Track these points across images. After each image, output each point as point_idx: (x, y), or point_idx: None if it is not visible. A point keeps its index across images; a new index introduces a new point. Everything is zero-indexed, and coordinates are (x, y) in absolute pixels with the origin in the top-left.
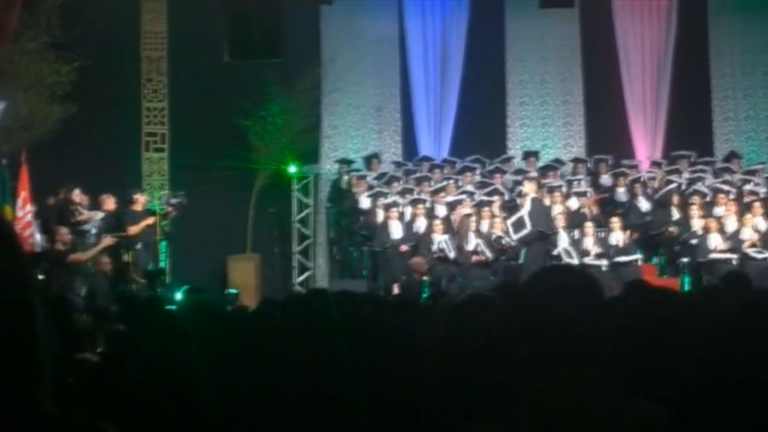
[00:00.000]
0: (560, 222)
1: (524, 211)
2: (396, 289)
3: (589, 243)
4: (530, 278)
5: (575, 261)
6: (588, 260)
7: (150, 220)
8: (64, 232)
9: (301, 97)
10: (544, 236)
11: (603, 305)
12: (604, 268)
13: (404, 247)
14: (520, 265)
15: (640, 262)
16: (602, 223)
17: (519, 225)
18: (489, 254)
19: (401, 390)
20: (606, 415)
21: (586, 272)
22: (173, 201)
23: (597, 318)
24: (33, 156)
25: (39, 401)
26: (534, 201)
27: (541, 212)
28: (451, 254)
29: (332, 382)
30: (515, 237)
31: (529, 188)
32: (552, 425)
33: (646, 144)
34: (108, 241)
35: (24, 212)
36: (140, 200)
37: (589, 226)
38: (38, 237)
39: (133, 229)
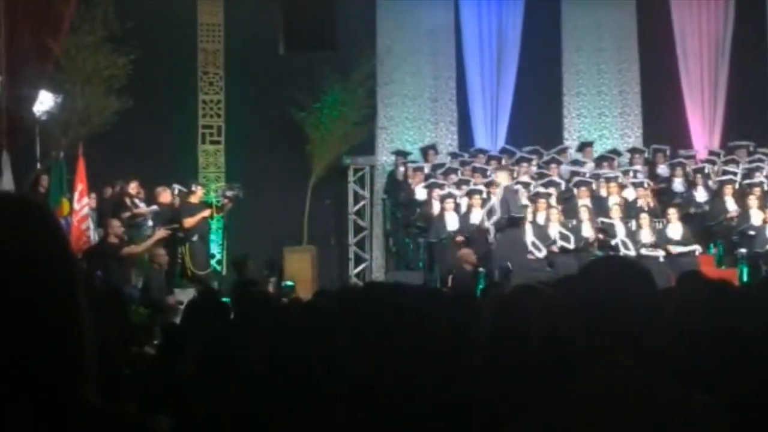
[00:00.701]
0: (617, 213)
1: (495, 200)
2: (450, 281)
3: (646, 234)
4: (584, 269)
5: (632, 252)
6: (644, 251)
7: (206, 213)
8: (116, 225)
9: (356, 89)
10: (514, 221)
11: (657, 296)
12: (661, 259)
13: (459, 238)
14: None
15: (697, 253)
16: (659, 214)
17: (490, 213)
18: (542, 251)
19: (454, 382)
20: (663, 408)
21: (638, 263)
22: (229, 193)
23: (651, 309)
24: (90, 149)
25: (84, 393)
26: (505, 189)
27: (511, 200)
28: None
29: (385, 374)
30: (487, 223)
31: (501, 177)
32: (609, 418)
33: (703, 134)
34: (161, 233)
35: (81, 205)
36: (197, 192)
37: (646, 217)
38: (94, 230)
39: (189, 222)
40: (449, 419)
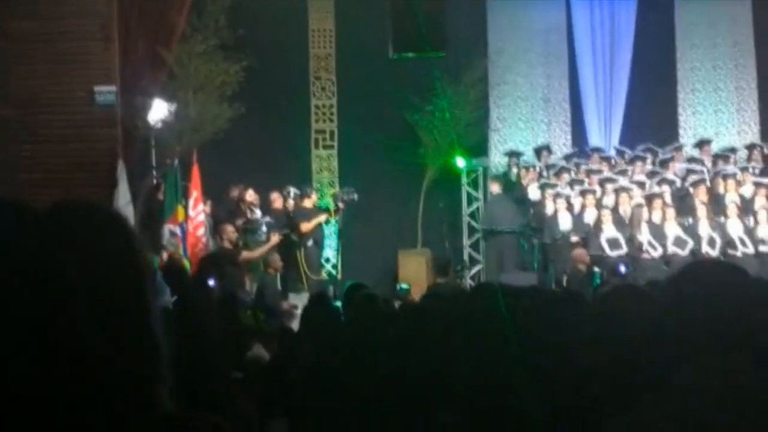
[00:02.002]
0: (733, 210)
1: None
2: (565, 282)
3: (764, 231)
4: (681, 271)
5: (750, 250)
6: (763, 248)
7: (322, 218)
8: (230, 230)
9: (468, 91)
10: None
11: (753, 298)
12: None
13: (574, 239)
14: None
15: None
16: None
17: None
18: (658, 250)
19: (564, 381)
20: (760, 409)
21: (733, 264)
22: (345, 198)
23: (746, 309)
24: (203, 156)
25: (158, 400)
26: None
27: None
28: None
29: (499, 374)
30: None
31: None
32: (705, 418)
33: None
34: (276, 239)
35: (196, 212)
36: (312, 197)
37: (764, 214)
38: (210, 236)
39: (306, 227)
40: (557, 418)
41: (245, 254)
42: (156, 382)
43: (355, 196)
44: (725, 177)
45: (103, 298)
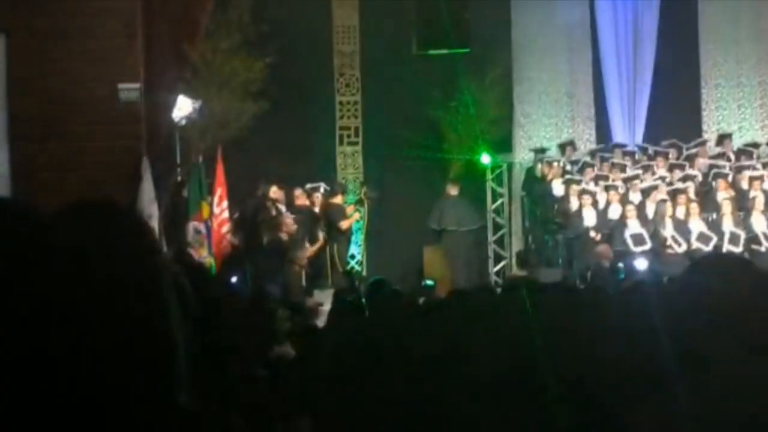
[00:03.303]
0: (758, 205)
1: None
2: (589, 277)
3: None
4: (691, 267)
5: None
6: None
7: (356, 215)
8: (289, 222)
9: (492, 86)
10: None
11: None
12: None
13: (597, 235)
14: None
15: None
16: None
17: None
18: (682, 246)
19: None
20: None
21: (744, 259)
22: (370, 195)
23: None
24: (228, 153)
25: (173, 396)
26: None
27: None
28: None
29: (523, 370)
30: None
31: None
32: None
33: None
34: (321, 240)
35: (221, 209)
36: (341, 194)
37: None
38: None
39: (345, 224)
40: (581, 410)
41: (300, 254)
42: (172, 379)
43: (375, 195)
44: (751, 176)
45: (117, 297)
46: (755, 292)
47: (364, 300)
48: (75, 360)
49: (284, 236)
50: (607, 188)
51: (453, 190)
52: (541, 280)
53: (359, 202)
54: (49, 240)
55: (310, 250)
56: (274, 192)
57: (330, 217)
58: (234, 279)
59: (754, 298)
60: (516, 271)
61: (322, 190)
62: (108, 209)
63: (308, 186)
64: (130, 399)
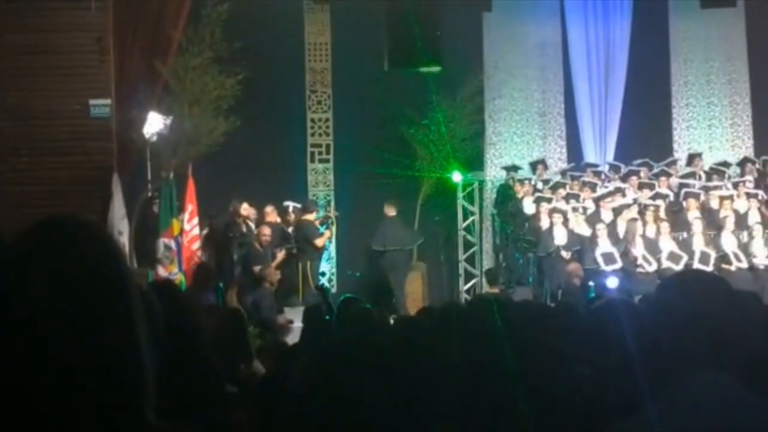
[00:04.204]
0: (729, 225)
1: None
2: (560, 296)
3: (758, 245)
4: (663, 283)
5: (744, 264)
6: (757, 262)
7: (328, 233)
8: (266, 233)
9: (464, 105)
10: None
11: (738, 309)
12: None
13: (565, 253)
14: None
15: None
16: None
17: None
18: (652, 265)
19: (561, 393)
20: (748, 422)
21: (718, 276)
22: (332, 214)
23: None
24: (199, 169)
25: (141, 412)
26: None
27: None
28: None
29: (493, 387)
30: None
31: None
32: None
33: None
34: (282, 255)
35: (191, 225)
36: (314, 212)
37: (758, 228)
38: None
39: (320, 241)
40: (552, 429)
41: (267, 269)
42: (140, 396)
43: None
44: (721, 195)
45: (82, 314)
46: (726, 309)
47: (334, 317)
48: (42, 375)
49: (259, 247)
50: (577, 207)
51: (391, 211)
52: (512, 298)
53: (326, 220)
54: (14, 256)
55: (276, 262)
56: (245, 209)
57: (304, 234)
58: (204, 296)
59: (725, 314)
60: (487, 289)
61: (291, 207)
62: (75, 225)
63: (288, 203)
64: (97, 415)
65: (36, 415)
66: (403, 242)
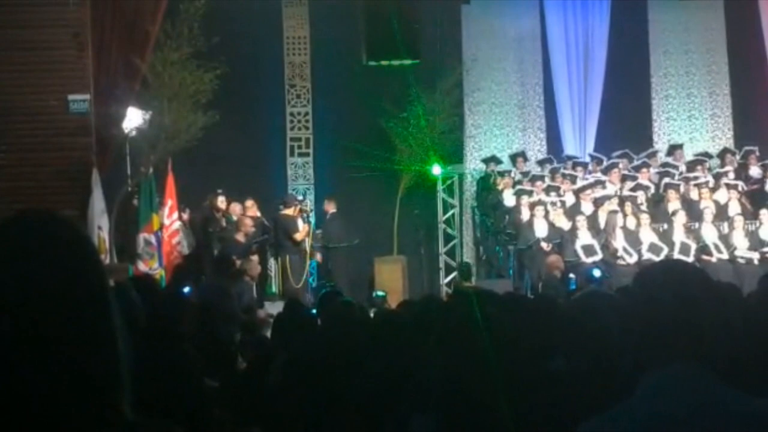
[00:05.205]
0: (708, 216)
1: None
2: (540, 288)
3: (739, 236)
4: (640, 274)
5: (724, 255)
6: (737, 254)
7: (307, 227)
8: (248, 223)
9: (443, 98)
10: None
11: (715, 301)
12: (756, 262)
13: (546, 245)
14: None
15: None
16: (752, 216)
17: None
18: (633, 257)
19: (539, 386)
20: (722, 413)
21: (696, 267)
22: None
23: (709, 314)
24: (178, 164)
25: (117, 407)
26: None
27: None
28: (599, 255)
29: (472, 380)
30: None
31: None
32: (666, 423)
33: None
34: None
35: (171, 220)
36: (296, 206)
37: (739, 220)
38: (185, 244)
39: (299, 236)
40: (529, 422)
41: (250, 264)
42: (117, 392)
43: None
44: (698, 185)
45: (58, 307)
46: (704, 300)
47: (315, 311)
48: (14, 373)
49: (242, 238)
50: (553, 203)
51: (331, 208)
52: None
53: (301, 214)
54: None
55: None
56: (222, 202)
57: (284, 228)
58: (184, 290)
59: (703, 305)
60: (462, 282)
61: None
62: (49, 219)
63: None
64: (72, 410)
65: (10, 412)
66: (341, 239)
